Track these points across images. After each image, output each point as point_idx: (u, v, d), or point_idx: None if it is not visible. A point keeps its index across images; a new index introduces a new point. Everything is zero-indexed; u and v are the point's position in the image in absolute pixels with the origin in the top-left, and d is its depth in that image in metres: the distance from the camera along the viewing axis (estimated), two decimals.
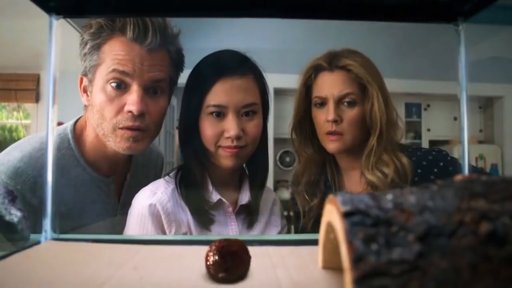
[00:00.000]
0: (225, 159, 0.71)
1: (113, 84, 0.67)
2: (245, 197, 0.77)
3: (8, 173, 0.67)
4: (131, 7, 0.54)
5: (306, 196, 0.86)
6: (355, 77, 0.78)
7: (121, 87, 0.68)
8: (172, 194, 0.71)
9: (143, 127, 0.69)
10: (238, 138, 0.69)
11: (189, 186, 0.73)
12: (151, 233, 0.67)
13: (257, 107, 0.72)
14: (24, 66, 3.15)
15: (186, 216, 0.71)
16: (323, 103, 0.81)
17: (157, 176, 0.98)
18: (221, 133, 0.69)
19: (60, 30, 0.50)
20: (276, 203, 0.84)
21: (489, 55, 2.79)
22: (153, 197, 0.69)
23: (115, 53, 0.67)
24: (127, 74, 0.67)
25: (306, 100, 0.85)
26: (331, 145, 0.80)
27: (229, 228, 0.75)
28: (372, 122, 0.78)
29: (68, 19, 0.53)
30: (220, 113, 0.69)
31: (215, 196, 0.73)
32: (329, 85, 0.80)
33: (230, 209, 0.75)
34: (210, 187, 0.73)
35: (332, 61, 0.81)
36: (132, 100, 0.67)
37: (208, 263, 0.33)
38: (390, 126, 0.79)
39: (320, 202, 0.83)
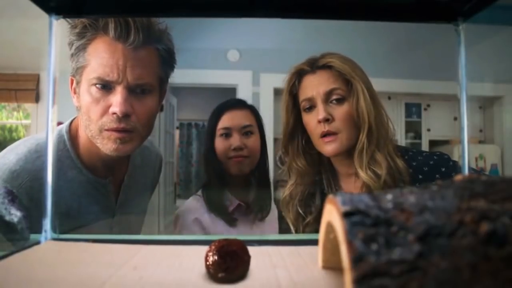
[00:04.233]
0: (234, 167, 0.99)
1: (98, 85, 0.66)
2: (251, 198, 1.03)
3: (3, 176, 0.66)
4: (131, 7, 0.54)
5: (301, 212, 0.83)
6: (338, 73, 0.77)
7: (106, 88, 0.67)
8: (201, 208, 1.00)
9: (130, 128, 0.68)
10: (240, 149, 0.98)
11: (213, 198, 1.00)
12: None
13: (253, 128, 1.02)
14: (24, 66, 3.14)
15: (215, 223, 0.98)
16: (311, 106, 0.80)
17: (155, 177, 0.98)
18: (229, 147, 0.99)
19: (60, 30, 0.50)
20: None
21: (489, 55, 2.79)
22: (194, 213, 0.98)
23: (100, 56, 0.66)
24: (111, 74, 0.66)
25: (294, 110, 0.84)
26: (328, 147, 0.78)
27: (247, 221, 1.02)
28: (359, 118, 0.76)
29: (68, 19, 0.53)
30: (227, 134, 1.00)
31: (234, 202, 1.00)
32: (314, 85, 0.79)
33: (244, 208, 1.01)
34: (229, 195, 1.01)
35: (313, 63, 0.80)
36: (116, 101, 0.66)
37: (207, 263, 0.33)
38: (379, 123, 0.77)
39: (317, 217, 0.81)
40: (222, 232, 0.99)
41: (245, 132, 1.01)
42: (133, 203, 0.85)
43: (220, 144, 1.00)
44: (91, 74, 0.66)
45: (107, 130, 0.67)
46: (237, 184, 1.02)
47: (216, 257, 0.33)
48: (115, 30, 0.65)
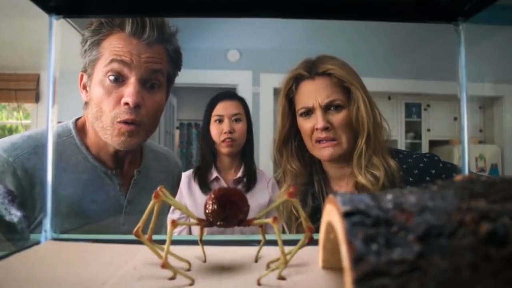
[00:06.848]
0: (225, 148, 1.25)
1: (111, 77, 0.69)
2: (239, 174, 1.28)
3: (4, 146, 0.69)
4: (131, 7, 0.54)
5: (294, 212, 0.82)
6: (338, 81, 0.76)
7: (119, 80, 0.69)
8: (186, 179, 1.25)
9: (139, 121, 0.70)
10: (230, 132, 1.24)
11: (200, 171, 1.27)
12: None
13: (241, 116, 1.28)
14: (24, 66, 3.15)
15: (192, 193, 1.24)
16: (309, 111, 0.79)
17: (173, 185, 0.97)
18: (221, 131, 1.24)
19: (60, 30, 0.50)
20: (269, 183, 1.20)
21: (489, 55, 2.79)
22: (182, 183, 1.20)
23: (114, 46, 0.69)
24: (125, 64, 0.68)
25: (289, 114, 0.83)
26: (325, 152, 0.77)
27: None
28: (359, 125, 0.76)
29: (68, 19, 0.53)
30: (220, 120, 1.26)
31: (214, 174, 1.27)
32: (313, 93, 0.78)
33: (223, 181, 1.26)
34: (213, 169, 1.27)
35: (311, 68, 0.79)
36: (128, 92, 0.68)
37: (207, 211, 0.34)
38: (376, 127, 0.77)
39: (309, 217, 0.81)
40: (196, 200, 1.21)
41: (235, 119, 1.26)
42: (145, 203, 0.84)
43: (214, 128, 1.26)
44: (104, 62, 0.69)
45: (119, 122, 0.69)
46: (225, 162, 1.28)
47: (215, 206, 0.33)
48: (131, 26, 0.68)
